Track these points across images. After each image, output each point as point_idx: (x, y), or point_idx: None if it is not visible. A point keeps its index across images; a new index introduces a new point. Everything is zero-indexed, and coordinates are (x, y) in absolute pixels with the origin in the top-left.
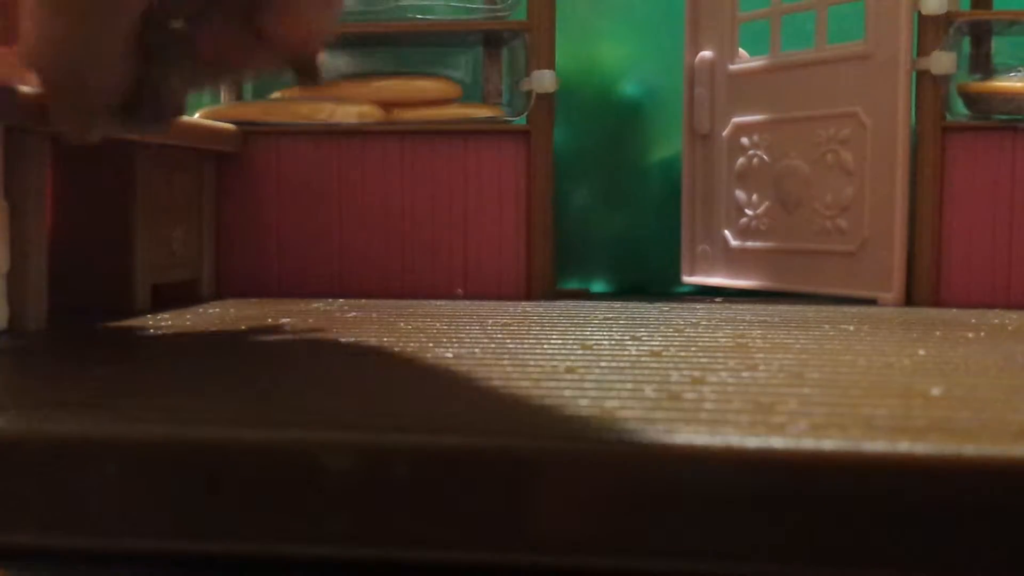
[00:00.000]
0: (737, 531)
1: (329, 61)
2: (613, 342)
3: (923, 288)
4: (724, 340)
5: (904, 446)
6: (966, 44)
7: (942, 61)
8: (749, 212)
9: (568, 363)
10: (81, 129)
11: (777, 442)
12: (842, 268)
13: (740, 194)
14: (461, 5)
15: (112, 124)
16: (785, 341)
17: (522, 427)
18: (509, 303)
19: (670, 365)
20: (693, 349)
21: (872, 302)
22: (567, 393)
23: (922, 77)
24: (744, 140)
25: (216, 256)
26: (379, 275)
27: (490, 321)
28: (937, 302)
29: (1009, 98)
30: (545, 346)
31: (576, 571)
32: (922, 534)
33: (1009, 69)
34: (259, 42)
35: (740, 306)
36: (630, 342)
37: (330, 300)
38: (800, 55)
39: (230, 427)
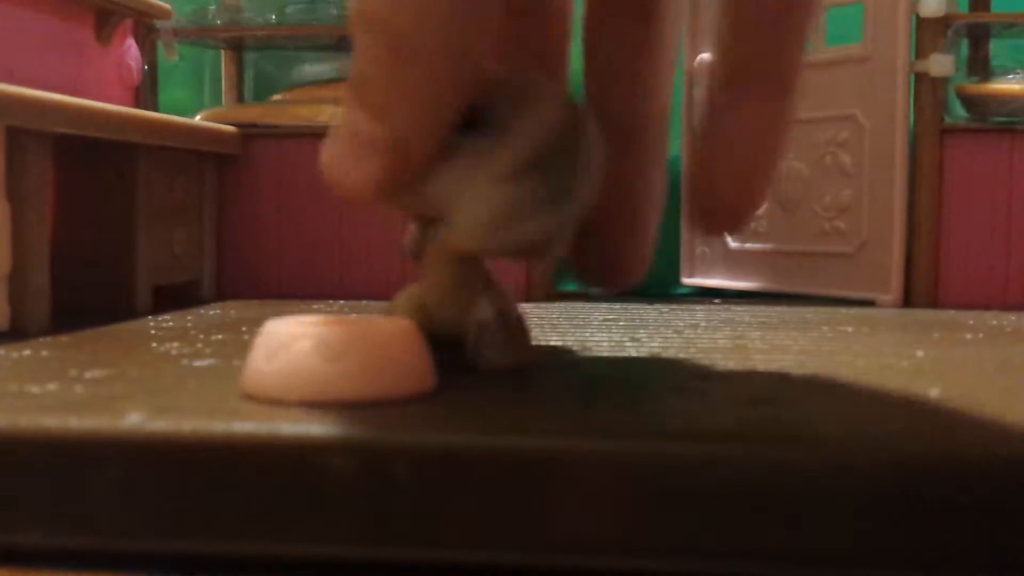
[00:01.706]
0: (742, 531)
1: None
2: (613, 343)
3: (921, 289)
4: (723, 342)
5: (901, 446)
6: (964, 46)
7: (940, 63)
8: None
9: (569, 363)
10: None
11: (777, 443)
12: (841, 269)
13: None
14: None
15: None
16: (784, 343)
17: (525, 427)
18: None
19: (670, 366)
20: (692, 351)
21: (870, 303)
22: (569, 393)
23: (920, 79)
24: None
25: (217, 258)
26: (380, 277)
27: None
28: (935, 303)
29: (1007, 100)
30: (545, 347)
31: (581, 571)
32: (922, 534)
33: (1007, 71)
34: None
35: (739, 307)
36: (629, 344)
37: (330, 302)
38: None
39: (233, 427)
